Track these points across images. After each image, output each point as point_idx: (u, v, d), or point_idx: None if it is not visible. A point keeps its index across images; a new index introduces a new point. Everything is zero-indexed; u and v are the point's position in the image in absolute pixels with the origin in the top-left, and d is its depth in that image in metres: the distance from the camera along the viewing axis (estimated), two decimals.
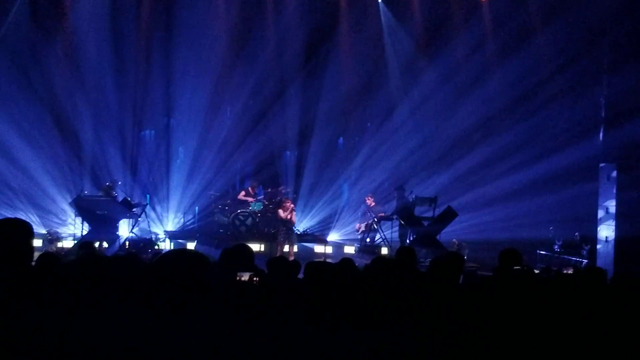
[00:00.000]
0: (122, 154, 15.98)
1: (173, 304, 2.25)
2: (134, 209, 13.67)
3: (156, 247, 13.69)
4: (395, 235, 14.50)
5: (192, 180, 16.25)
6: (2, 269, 3.08)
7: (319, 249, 14.80)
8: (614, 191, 13.10)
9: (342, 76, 16.70)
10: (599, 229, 13.38)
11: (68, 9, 15.45)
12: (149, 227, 14.28)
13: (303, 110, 16.79)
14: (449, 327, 3.70)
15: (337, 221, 16.58)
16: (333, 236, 16.10)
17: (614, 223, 13.07)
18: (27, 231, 3.28)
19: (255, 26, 16.30)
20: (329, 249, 14.76)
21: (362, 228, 15.22)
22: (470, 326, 3.62)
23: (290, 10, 16.20)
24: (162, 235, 14.99)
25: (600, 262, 12.63)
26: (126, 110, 16.09)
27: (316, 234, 15.98)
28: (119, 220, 13.44)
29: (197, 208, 15.94)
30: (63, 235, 13.84)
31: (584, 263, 12.52)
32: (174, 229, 15.72)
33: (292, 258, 11.99)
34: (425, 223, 13.50)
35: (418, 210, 13.95)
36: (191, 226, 15.68)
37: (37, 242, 12.55)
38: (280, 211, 13.60)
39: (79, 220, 13.49)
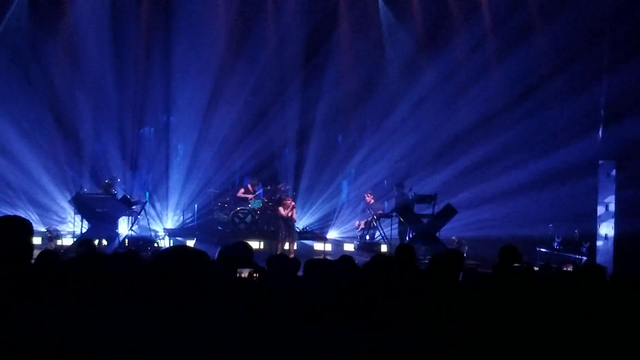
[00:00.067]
0: (121, 151, 15.99)
1: (173, 301, 2.25)
2: (134, 207, 13.67)
3: (155, 244, 13.69)
4: (395, 232, 14.51)
5: (191, 178, 16.25)
6: (2, 267, 3.08)
7: (318, 246, 14.81)
8: (614, 188, 13.09)
9: (342, 74, 16.70)
10: (598, 226, 13.38)
11: (68, 7, 15.44)
12: (149, 224, 14.27)
13: (302, 108, 16.80)
14: (448, 325, 3.70)
15: (336, 219, 16.57)
16: (332, 234, 16.09)
17: (613, 220, 13.07)
18: (26, 229, 3.27)
19: (255, 24, 16.28)
20: (328, 247, 14.76)
21: (362, 225, 15.21)
22: (470, 323, 3.62)
23: (290, 9, 16.20)
24: (161, 233, 14.99)
25: (599, 260, 12.62)
26: (126, 107, 16.10)
27: (316, 231, 15.98)
28: (118, 218, 13.45)
29: (196, 206, 15.94)
30: (62, 233, 13.85)
31: (583, 260, 12.51)
32: (173, 227, 15.72)
33: (292, 255, 11.98)
34: (425, 220, 13.50)
35: (417, 208, 13.95)
36: (190, 224, 15.67)
37: (37, 240, 12.55)
38: (281, 209, 13.60)
39: (78, 218, 13.49)
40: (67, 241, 13.34)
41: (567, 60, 14.63)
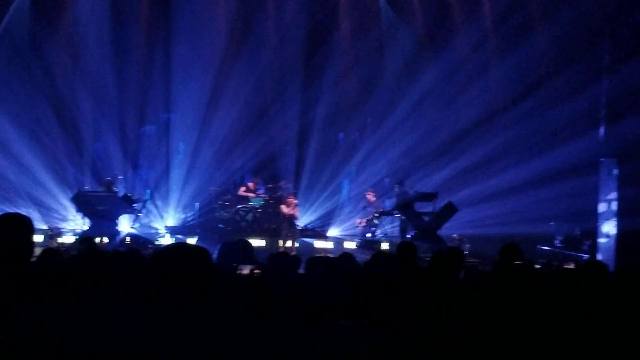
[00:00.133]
0: (123, 149, 15.99)
1: (174, 299, 2.25)
2: (135, 205, 13.67)
3: (157, 242, 13.71)
4: (396, 230, 14.50)
5: (192, 176, 16.24)
6: (3, 265, 3.08)
7: (319, 244, 14.81)
8: (615, 186, 13.08)
9: (343, 73, 16.69)
10: (599, 223, 13.37)
11: (69, 5, 15.44)
12: (150, 222, 14.27)
13: (303, 107, 16.80)
14: (449, 323, 3.70)
15: (337, 216, 16.58)
16: (333, 231, 16.10)
17: (614, 218, 13.06)
18: (27, 227, 3.27)
19: (256, 23, 16.27)
20: (329, 244, 14.76)
21: (363, 223, 15.21)
22: (471, 321, 3.62)
23: (291, 7, 16.20)
24: (162, 231, 15.00)
25: (601, 257, 12.63)
26: (127, 105, 16.10)
27: (317, 229, 15.99)
28: (119, 216, 13.44)
29: (197, 204, 15.95)
30: (64, 230, 13.84)
31: (584, 258, 12.51)
32: (174, 225, 15.71)
33: (293, 253, 11.98)
34: (426, 218, 13.49)
35: (418, 205, 13.94)
36: (192, 222, 15.67)
37: (38, 238, 12.54)
38: (283, 207, 13.59)
39: (79, 215, 13.48)
40: (69, 239, 13.32)
41: (568, 58, 14.63)
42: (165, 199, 16.29)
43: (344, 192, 17.48)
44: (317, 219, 16.51)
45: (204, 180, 16.26)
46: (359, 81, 16.75)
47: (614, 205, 13.12)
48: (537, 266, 8.39)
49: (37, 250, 4.27)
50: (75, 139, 15.72)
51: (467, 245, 12.95)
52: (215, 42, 15.97)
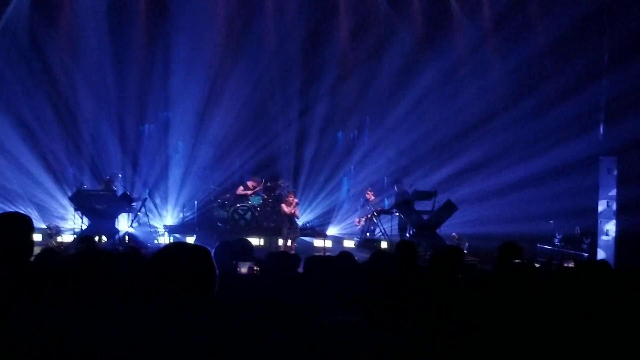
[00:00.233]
0: (122, 148, 15.99)
1: (174, 299, 2.24)
2: (134, 203, 13.67)
3: (156, 241, 13.70)
4: (395, 229, 14.50)
5: (191, 175, 16.24)
6: (2, 264, 3.07)
7: (318, 243, 14.81)
8: (614, 184, 13.08)
9: (342, 71, 16.68)
10: (599, 222, 13.37)
11: (68, 3, 15.42)
12: (149, 221, 14.27)
13: (302, 105, 16.80)
14: (449, 321, 3.69)
15: (336, 215, 16.58)
16: (332, 230, 16.10)
17: (614, 216, 13.06)
18: (27, 225, 3.27)
19: (255, 21, 16.27)
20: (328, 243, 14.76)
21: (362, 222, 15.20)
22: (471, 320, 3.61)
23: (291, 5, 16.19)
24: (161, 230, 14.99)
25: (600, 256, 12.63)
26: (126, 104, 16.09)
27: (316, 228, 15.99)
28: (118, 215, 13.43)
29: (196, 202, 15.95)
30: (63, 229, 13.83)
31: (584, 256, 12.52)
32: (173, 223, 15.71)
33: (292, 252, 11.98)
34: (425, 217, 13.48)
35: (418, 204, 13.94)
36: (190, 221, 15.67)
37: (37, 237, 12.54)
38: (284, 205, 13.58)
39: (78, 214, 13.48)
40: (68, 238, 13.32)
41: (568, 57, 14.64)
42: (164, 197, 16.29)
43: (343, 190, 17.48)
44: (316, 218, 16.52)
45: (203, 179, 16.26)
46: (358, 80, 16.73)
47: (614, 204, 13.12)
48: (537, 265, 8.39)
49: (37, 249, 4.27)
50: (74, 137, 15.71)
51: (466, 244, 12.95)
52: (215, 41, 15.96)
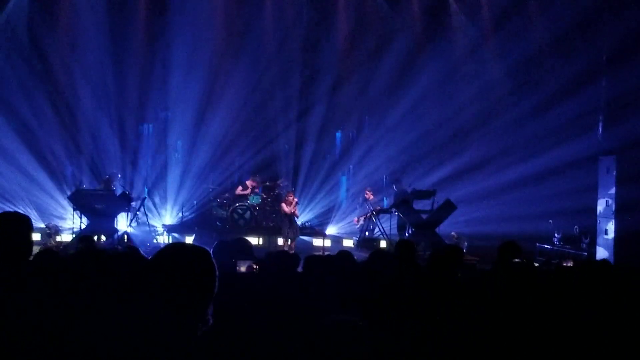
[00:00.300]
0: (121, 147, 15.98)
1: (173, 299, 2.24)
2: (133, 203, 13.66)
3: (155, 241, 13.70)
4: (394, 228, 14.50)
5: (190, 174, 16.24)
6: (1, 263, 3.07)
7: (317, 242, 14.81)
8: (614, 183, 13.08)
9: (341, 70, 16.68)
10: (598, 221, 13.38)
11: (67, 1, 15.42)
12: (148, 220, 14.26)
13: (302, 105, 16.81)
14: (448, 320, 3.70)
15: (335, 214, 16.58)
16: (331, 229, 16.10)
17: (613, 216, 13.07)
18: (26, 225, 3.27)
19: (255, 20, 16.25)
20: (327, 243, 14.76)
21: (361, 221, 15.20)
22: (470, 319, 3.62)
23: (290, 5, 16.19)
24: (160, 229, 14.99)
25: (600, 255, 12.63)
26: (125, 103, 16.07)
27: (315, 227, 15.99)
28: (117, 214, 13.42)
29: (195, 202, 15.95)
30: (62, 229, 13.82)
31: (583, 256, 12.52)
32: (172, 223, 15.71)
33: (292, 251, 11.98)
34: (424, 216, 13.49)
35: (417, 203, 13.94)
36: (189, 220, 15.67)
37: (36, 236, 12.53)
38: (284, 205, 13.57)
39: (77, 214, 13.46)
40: (67, 237, 13.31)
41: (567, 56, 14.64)
42: (163, 197, 16.29)
43: (342, 190, 17.49)
44: (315, 217, 16.52)
45: (202, 178, 16.26)
46: (357, 79, 16.73)
47: (613, 203, 13.12)
48: (536, 264, 8.39)
49: (36, 249, 4.27)
50: (73, 136, 15.70)
51: (465, 243, 12.96)
52: (215, 41, 15.95)
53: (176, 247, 2.41)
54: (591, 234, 13.25)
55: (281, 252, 6.25)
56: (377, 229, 14.91)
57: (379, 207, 15.07)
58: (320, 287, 4.49)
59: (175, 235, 14.51)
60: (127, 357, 2.16)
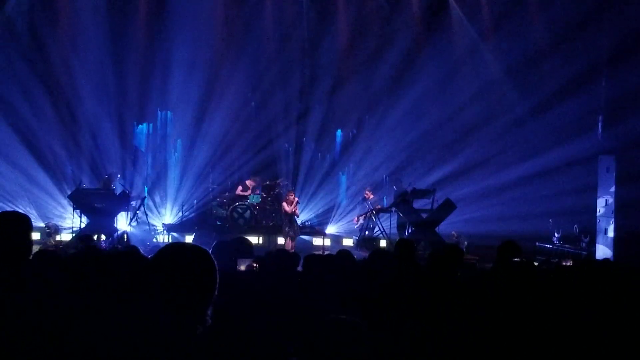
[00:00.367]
0: (121, 146, 15.97)
1: (173, 299, 2.24)
2: (132, 202, 13.66)
3: (155, 240, 13.70)
4: (394, 227, 14.50)
5: (190, 173, 16.24)
6: (1, 263, 3.07)
7: (317, 241, 14.81)
8: (613, 183, 13.09)
9: (341, 69, 16.68)
10: (598, 220, 13.39)
11: (67, 2, 15.43)
12: (148, 220, 14.26)
13: (302, 104, 16.80)
14: (448, 319, 3.70)
15: (335, 214, 16.58)
16: (331, 229, 16.10)
17: (613, 215, 13.08)
18: (26, 224, 3.27)
19: (255, 19, 16.25)
20: (327, 242, 14.76)
21: (360, 220, 15.19)
22: (470, 318, 3.62)
23: (290, 3, 16.19)
24: (160, 229, 14.99)
25: (599, 254, 12.64)
26: (125, 102, 16.06)
27: (315, 226, 16.00)
28: (117, 213, 13.41)
29: (195, 201, 15.94)
30: (62, 228, 13.82)
31: (583, 255, 12.52)
32: (172, 222, 15.71)
33: (292, 250, 11.98)
34: (424, 215, 13.49)
35: (416, 202, 13.94)
36: (189, 219, 15.66)
37: (36, 236, 12.53)
38: (285, 204, 13.57)
39: (77, 213, 13.46)
40: (66, 237, 13.31)
41: (567, 56, 14.65)
42: (163, 196, 16.28)
43: (342, 189, 17.48)
44: (315, 217, 16.52)
45: (202, 178, 16.26)
46: (357, 79, 16.73)
47: (613, 202, 13.14)
48: (536, 263, 8.40)
49: (35, 248, 4.27)
50: (73, 135, 15.69)
51: (465, 243, 12.96)
52: (215, 41, 15.95)
53: (176, 247, 2.41)
54: (591, 234, 13.27)
55: (281, 251, 6.24)
56: (377, 228, 14.91)
57: (378, 206, 15.07)
58: (319, 286, 4.49)
59: (175, 234, 14.51)
60: (127, 357, 2.16)
